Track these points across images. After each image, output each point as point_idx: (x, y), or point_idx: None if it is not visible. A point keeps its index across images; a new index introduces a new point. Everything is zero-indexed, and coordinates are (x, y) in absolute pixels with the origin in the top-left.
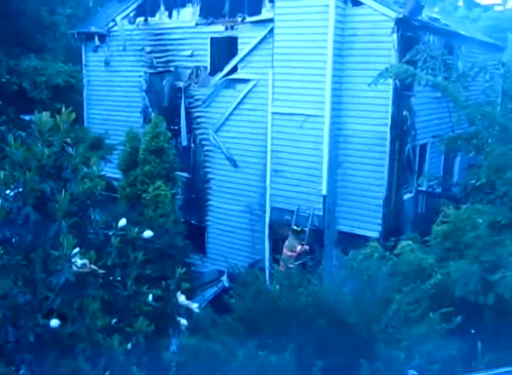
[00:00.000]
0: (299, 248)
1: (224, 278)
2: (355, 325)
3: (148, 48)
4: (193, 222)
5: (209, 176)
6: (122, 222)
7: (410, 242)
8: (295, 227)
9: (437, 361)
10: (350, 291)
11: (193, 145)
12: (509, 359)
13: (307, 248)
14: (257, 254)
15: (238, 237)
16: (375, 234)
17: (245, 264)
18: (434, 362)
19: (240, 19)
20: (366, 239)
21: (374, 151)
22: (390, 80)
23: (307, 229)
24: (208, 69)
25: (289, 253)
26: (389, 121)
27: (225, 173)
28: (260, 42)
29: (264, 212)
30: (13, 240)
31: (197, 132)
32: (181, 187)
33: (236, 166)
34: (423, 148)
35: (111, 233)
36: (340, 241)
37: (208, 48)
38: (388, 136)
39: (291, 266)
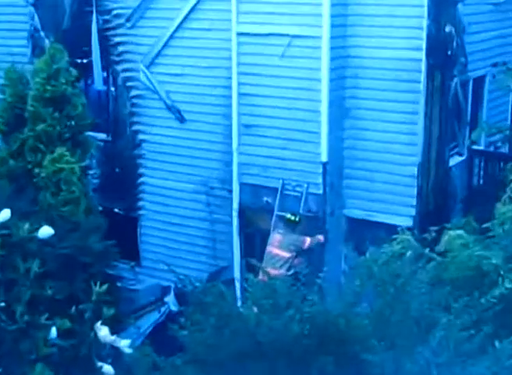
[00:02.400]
0: (308, 240)
1: (170, 298)
2: (379, 364)
3: None
4: (117, 211)
5: (140, 137)
6: (4, 214)
7: (461, 232)
8: (290, 216)
9: None
10: (370, 311)
11: (113, 89)
12: None
13: (321, 238)
14: (220, 258)
15: (190, 232)
16: (407, 221)
17: (202, 275)
18: None
19: None
20: (392, 229)
21: (401, 91)
22: None
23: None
24: None
25: (283, 253)
26: (423, 43)
27: (167, 132)
28: None
29: (231, 191)
30: None
31: (119, 67)
32: (96, 156)
33: (183, 120)
34: (479, 83)
35: None
36: (351, 234)
37: None
38: (423, 66)
39: (281, 271)
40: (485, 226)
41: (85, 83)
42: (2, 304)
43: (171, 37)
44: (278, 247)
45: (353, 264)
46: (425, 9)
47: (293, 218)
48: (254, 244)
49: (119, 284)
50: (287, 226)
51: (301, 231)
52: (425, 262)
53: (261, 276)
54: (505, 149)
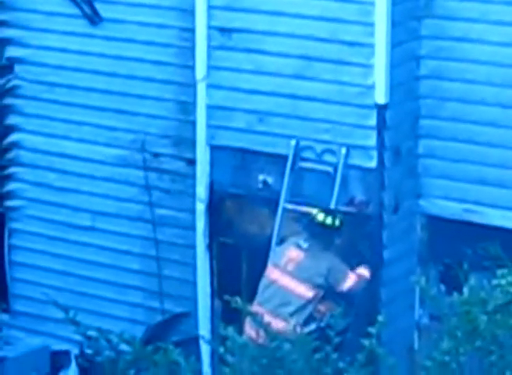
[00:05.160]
0: (353, 278)
1: (69, 373)
2: None
3: None
4: None
5: (10, 54)
6: None
7: None
8: (320, 214)
9: None
10: None
11: None
12: None
13: (365, 274)
14: (171, 297)
15: (109, 244)
16: None
17: (135, 329)
18: None
19: None
20: None
21: None
22: None
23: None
24: None
25: (299, 288)
26: None
27: (63, 44)
28: None
29: (192, 162)
30: None
31: None
32: None
33: (96, 18)
34: None
35: None
36: (434, 249)
37: None
38: None
39: (294, 323)
40: None
41: None
42: None
43: None
44: (290, 275)
45: (438, 309)
46: None
47: (329, 219)
48: (237, 267)
49: None
50: (314, 235)
51: (339, 246)
52: None
53: (250, 332)
54: None
